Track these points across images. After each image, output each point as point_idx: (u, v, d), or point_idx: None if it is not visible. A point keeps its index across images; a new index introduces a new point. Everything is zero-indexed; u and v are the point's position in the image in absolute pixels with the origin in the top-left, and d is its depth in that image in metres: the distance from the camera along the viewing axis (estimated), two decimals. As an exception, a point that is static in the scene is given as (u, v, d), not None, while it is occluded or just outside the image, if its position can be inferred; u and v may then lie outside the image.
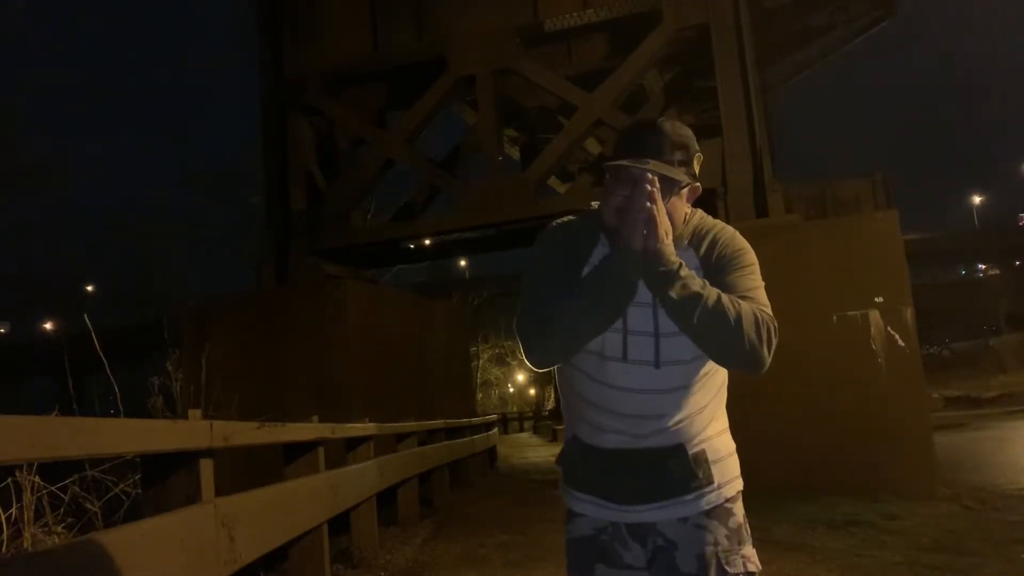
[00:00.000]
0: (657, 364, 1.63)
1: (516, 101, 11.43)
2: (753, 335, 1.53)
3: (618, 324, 1.63)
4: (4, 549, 3.64)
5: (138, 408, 6.30)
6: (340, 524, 5.58)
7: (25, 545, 3.65)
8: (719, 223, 1.75)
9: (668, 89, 10.67)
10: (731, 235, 1.72)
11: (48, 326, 61.08)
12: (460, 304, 20.96)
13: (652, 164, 1.57)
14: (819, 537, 5.57)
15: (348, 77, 11.02)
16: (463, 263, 44.95)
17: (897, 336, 7.77)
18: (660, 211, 1.54)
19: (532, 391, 47.01)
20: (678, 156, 1.62)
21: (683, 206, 1.67)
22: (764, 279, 1.69)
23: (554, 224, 1.80)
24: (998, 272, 49.68)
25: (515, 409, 36.92)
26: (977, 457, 9.72)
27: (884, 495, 6.88)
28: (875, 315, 7.82)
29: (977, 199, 67.35)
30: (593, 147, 12.69)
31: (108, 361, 5.69)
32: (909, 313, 7.83)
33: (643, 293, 1.62)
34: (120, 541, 2.30)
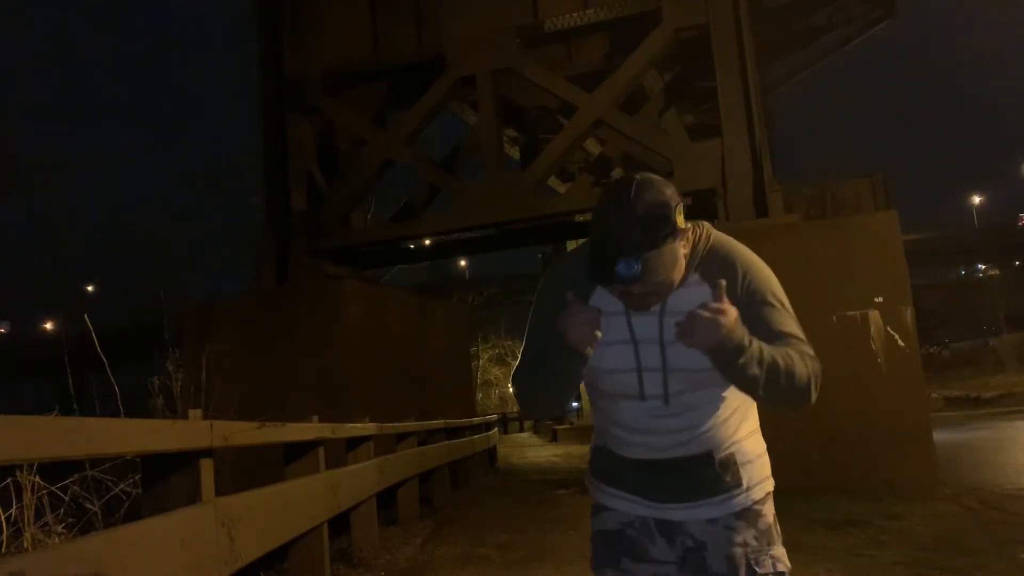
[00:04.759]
0: (667, 401, 1.65)
1: (516, 101, 11.42)
2: (809, 388, 1.58)
3: (632, 363, 1.65)
4: (4, 549, 3.64)
5: (138, 408, 6.31)
6: (340, 524, 5.58)
7: (25, 545, 3.65)
8: (729, 245, 1.69)
9: (668, 89, 10.66)
10: (749, 262, 1.67)
11: (48, 326, 61.08)
12: (460, 304, 20.97)
13: (642, 284, 1.50)
14: (819, 537, 5.57)
15: (348, 77, 11.02)
16: (463, 263, 44.96)
17: (897, 336, 7.77)
18: (724, 313, 1.46)
19: (532, 391, 46.86)
20: (663, 233, 1.50)
21: (683, 252, 1.58)
22: None
23: (555, 263, 1.82)
24: (998, 272, 49.63)
25: (515, 409, 36.89)
26: (977, 457, 9.72)
27: (884, 495, 6.88)
28: (875, 315, 7.82)
29: (977, 199, 67.30)
30: (593, 147, 12.69)
31: (108, 361, 5.70)
32: (909, 313, 7.83)
33: (649, 329, 1.63)
34: (120, 541, 2.30)
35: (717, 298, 1.47)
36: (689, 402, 1.66)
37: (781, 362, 1.53)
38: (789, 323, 1.64)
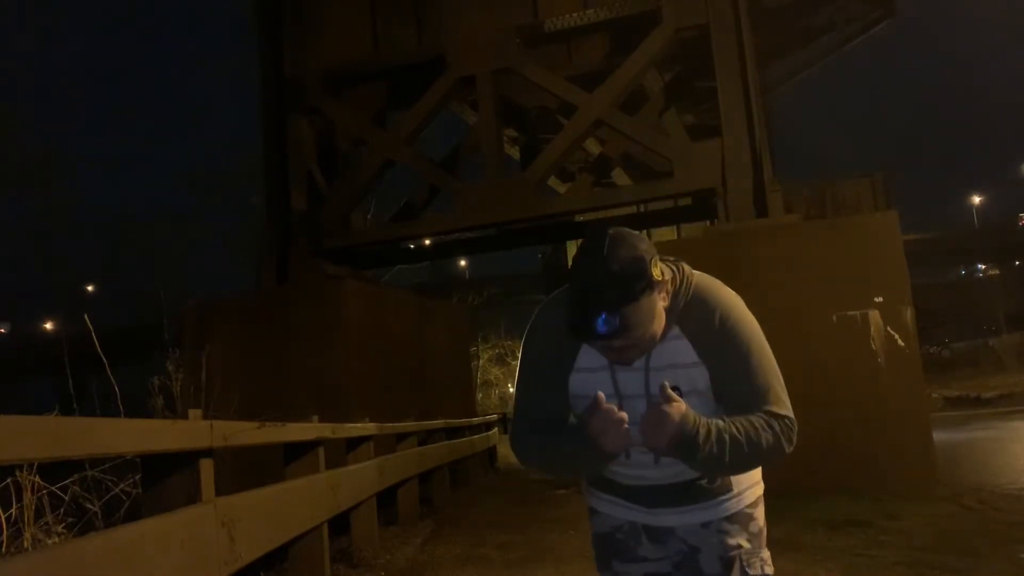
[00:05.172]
0: (656, 461, 1.69)
1: (516, 101, 11.43)
2: (778, 451, 1.59)
3: None
4: (4, 549, 3.64)
5: (138, 408, 6.30)
6: (340, 524, 5.58)
7: (25, 545, 3.65)
8: (707, 293, 1.66)
9: (668, 89, 10.66)
10: (728, 311, 1.64)
11: (48, 326, 61.01)
12: (460, 304, 20.95)
13: (622, 338, 1.50)
14: (819, 537, 5.57)
15: (348, 77, 11.02)
16: (463, 263, 44.91)
17: (897, 336, 7.77)
18: (667, 417, 1.49)
19: (532, 391, 46.77)
20: (639, 287, 1.49)
21: (662, 304, 1.57)
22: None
23: (539, 315, 1.77)
24: (998, 272, 49.60)
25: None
26: (977, 457, 9.72)
27: (884, 495, 6.88)
28: (875, 315, 7.82)
29: (977, 199, 67.23)
30: (593, 147, 12.69)
31: (108, 361, 5.69)
32: (909, 313, 7.83)
33: (635, 385, 1.64)
34: (120, 541, 2.30)
35: (662, 398, 1.50)
36: None
37: (743, 438, 1.54)
38: (764, 377, 1.63)
